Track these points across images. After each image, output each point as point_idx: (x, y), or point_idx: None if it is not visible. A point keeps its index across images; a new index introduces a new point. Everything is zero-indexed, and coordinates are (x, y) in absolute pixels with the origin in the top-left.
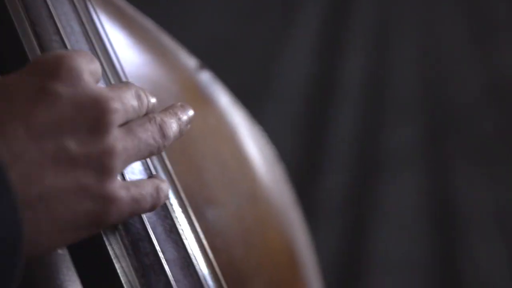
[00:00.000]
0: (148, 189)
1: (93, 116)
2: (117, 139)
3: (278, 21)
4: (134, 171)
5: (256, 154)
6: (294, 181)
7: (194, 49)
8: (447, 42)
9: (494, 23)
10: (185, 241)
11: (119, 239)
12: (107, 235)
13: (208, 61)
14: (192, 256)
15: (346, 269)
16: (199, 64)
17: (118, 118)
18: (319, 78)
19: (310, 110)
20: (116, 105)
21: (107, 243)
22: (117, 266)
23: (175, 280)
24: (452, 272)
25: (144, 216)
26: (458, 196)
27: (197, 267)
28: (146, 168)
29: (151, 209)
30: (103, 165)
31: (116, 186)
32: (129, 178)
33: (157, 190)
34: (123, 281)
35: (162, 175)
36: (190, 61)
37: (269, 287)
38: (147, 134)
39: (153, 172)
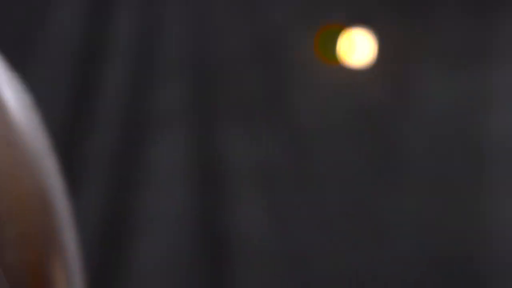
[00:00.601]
0: None
1: None
2: None
3: None
4: None
5: (11, 100)
6: (62, 140)
7: None
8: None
9: None
10: None
11: None
12: None
13: None
14: None
15: (113, 227)
16: None
17: None
18: (88, 37)
19: (78, 69)
20: None
21: None
22: None
23: None
24: (217, 228)
25: None
26: (224, 153)
27: None
28: None
29: None
30: None
31: None
32: None
33: None
34: None
35: None
36: None
37: (22, 230)
38: None
39: None
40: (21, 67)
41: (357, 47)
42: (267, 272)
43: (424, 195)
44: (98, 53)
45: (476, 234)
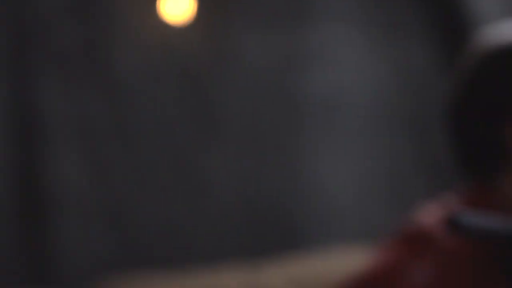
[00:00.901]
0: None
1: None
2: None
3: None
4: None
5: None
6: None
7: None
8: None
9: None
10: None
11: None
12: None
13: None
14: None
15: None
16: None
17: None
18: None
19: None
20: None
21: None
22: None
23: None
24: (35, 180)
25: None
26: (41, 107)
27: None
28: None
29: None
30: None
31: None
32: None
33: None
34: None
35: None
36: None
37: None
38: None
39: None
40: None
41: (176, 5)
42: (85, 224)
43: (242, 150)
44: None
45: (291, 186)
